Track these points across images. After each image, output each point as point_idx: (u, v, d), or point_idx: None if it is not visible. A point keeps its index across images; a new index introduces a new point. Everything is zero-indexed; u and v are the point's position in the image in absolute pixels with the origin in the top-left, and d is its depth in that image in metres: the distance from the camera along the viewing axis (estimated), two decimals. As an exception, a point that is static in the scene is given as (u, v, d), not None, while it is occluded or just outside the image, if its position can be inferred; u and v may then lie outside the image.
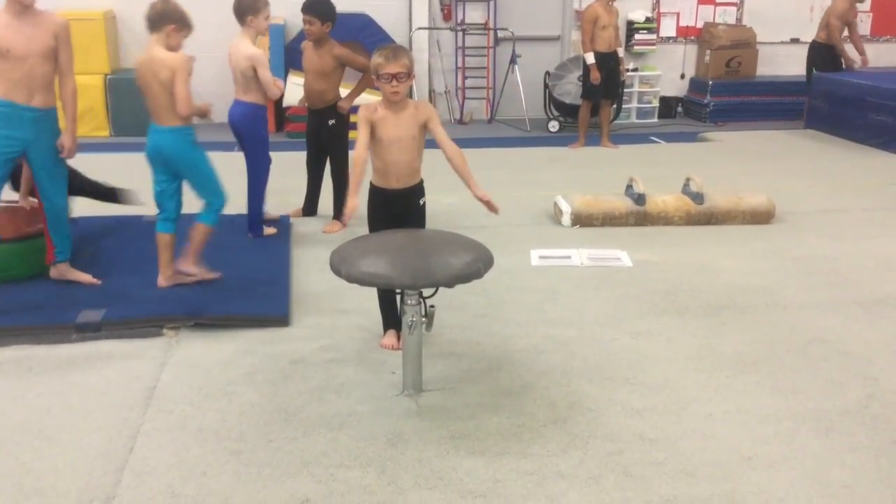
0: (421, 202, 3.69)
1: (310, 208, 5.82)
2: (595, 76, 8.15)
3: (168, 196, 4.23)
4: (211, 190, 4.29)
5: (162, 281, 4.28)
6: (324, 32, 5.34)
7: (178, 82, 4.02)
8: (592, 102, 8.47)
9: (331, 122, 5.45)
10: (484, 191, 3.53)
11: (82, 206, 5.21)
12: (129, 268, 4.62)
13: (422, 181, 3.69)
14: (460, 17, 9.92)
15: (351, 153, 3.59)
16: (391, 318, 3.73)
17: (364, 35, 9.30)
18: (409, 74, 3.51)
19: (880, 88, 8.48)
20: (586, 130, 8.58)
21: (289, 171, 6.10)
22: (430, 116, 3.60)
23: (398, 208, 3.62)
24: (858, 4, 9.40)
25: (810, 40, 9.81)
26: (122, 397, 3.29)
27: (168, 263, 4.27)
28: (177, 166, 4.19)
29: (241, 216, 5.59)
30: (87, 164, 5.01)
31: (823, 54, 9.45)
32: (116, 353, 3.69)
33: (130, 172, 5.43)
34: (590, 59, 8.16)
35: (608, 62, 8.24)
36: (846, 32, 9.39)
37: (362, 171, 3.47)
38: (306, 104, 5.58)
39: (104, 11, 8.82)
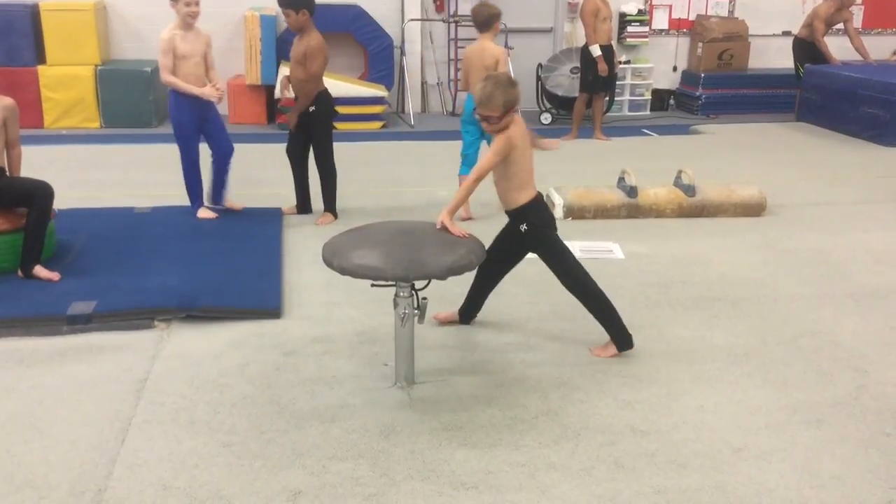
0: (521, 228, 3.53)
1: (304, 206, 5.71)
2: (603, 68, 8.19)
3: (473, 148, 5.52)
4: (472, 153, 5.51)
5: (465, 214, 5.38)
6: (302, 21, 5.26)
7: (501, 67, 5.34)
8: (590, 95, 8.48)
9: (311, 108, 5.38)
10: (449, 220, 3.34)
11: (71, 199, 5.20)
12: (120, 260, 4.61)
13: (525, 206, 3.52)
14: (453, 8, 9.90)
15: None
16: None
17: (356, 26, 9.28)
18: (505, 112, 3.33)
19: (872, 81, 8.50)
20: (580, 123, 8.58)
21: (280, 163, 6.07)
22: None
23: (507, 232, 3.65)
24: (847, 1, 9.41)
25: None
26: (113, 389, 3.29)
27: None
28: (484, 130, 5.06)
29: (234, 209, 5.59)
30: (77, 156, 4.98)
31: (806, 50, 9.54)
32: (108, 345, 3.68)
33: (120, 164, 5.41)
34: (596, 51, 8.18)
35: (608, 55, 8.25)
36: (842, 30, 9.44)
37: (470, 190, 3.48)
38: (293, 96, 5.53)
39: (95, 2, 8.77)
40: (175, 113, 5.28)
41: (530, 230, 3.52)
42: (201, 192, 5.47)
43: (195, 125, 5.28)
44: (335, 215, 5.55)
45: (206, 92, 5.17)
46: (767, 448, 2.93)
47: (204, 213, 5.43)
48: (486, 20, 5.43)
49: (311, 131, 5.48)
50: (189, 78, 5.17)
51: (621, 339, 3.61)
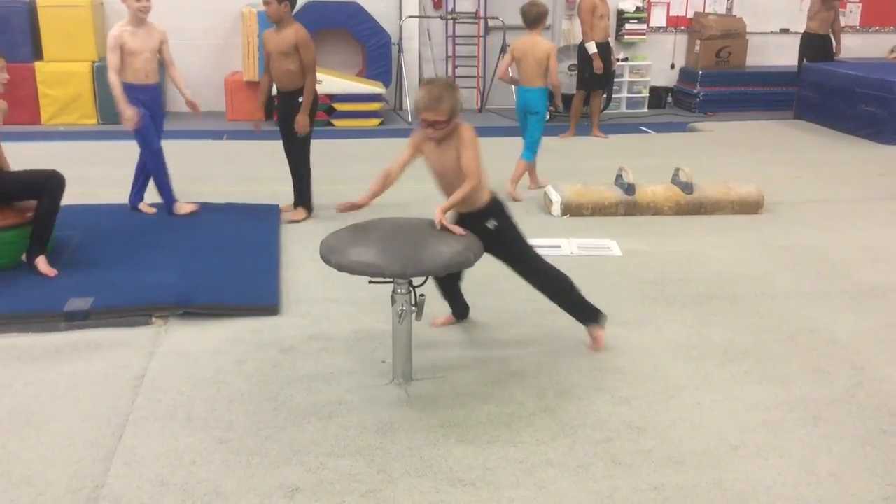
0: (490, 225, 3.40)
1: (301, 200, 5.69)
2: (598, 65, 8.19)
3: (526, 131, 6.17)
4: (536, 135, 6.13)
5: (512, 189, 5.95)
6: (283, 13, 5.21)
7: (552, 60, 5.93)
8: (588, 92, 8.49)
9: (300, 99, 5.32)
10: (441, 216, 3.28)
11: (69, 196, 5.17)
12: (118, 256, 4.60)
13: (490, 203, 3.41)
14: (451, 5, 9.89)
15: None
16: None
17: (354, 23, 9.27)
18: (450, 121, 3.26)
19: (869, 79, 8.51)
20: (578, 120, 8.59)
21: (278, 159, 6.07)
22: (463, 142, 3.32)
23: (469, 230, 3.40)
24: None
25: (802, 31, 9.85)
26: (110, 386, 3.28)
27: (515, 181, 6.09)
28: (531, 116, 6.10)
29: (230, 204, 5.60)
30: (74, 152, 4.98)
31: (816, 44, 9.49)
32: (105, 341, 3.68)
33: (117, 160, 5.40)
34: (591, 48, 8.20)
35: (605, 52, 8.26)
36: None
37: (384, 186, 3.40)
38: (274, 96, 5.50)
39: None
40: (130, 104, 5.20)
41: (501, 226, 3.43)
42: (171, 187, 5.44)
43: (148, 117, 5.21)
44: (309, 211, 5.52)
45: (125, 117, 5.09)
46: (764, 445, 2.93)
47: (181, 207, 5.41)
48: (535, 18, 5.90)
49: (291, 122, 5.36)
50: (139, 74, 5.14)
51: (592, 314, 3.61)
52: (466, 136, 3.30)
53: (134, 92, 5.15)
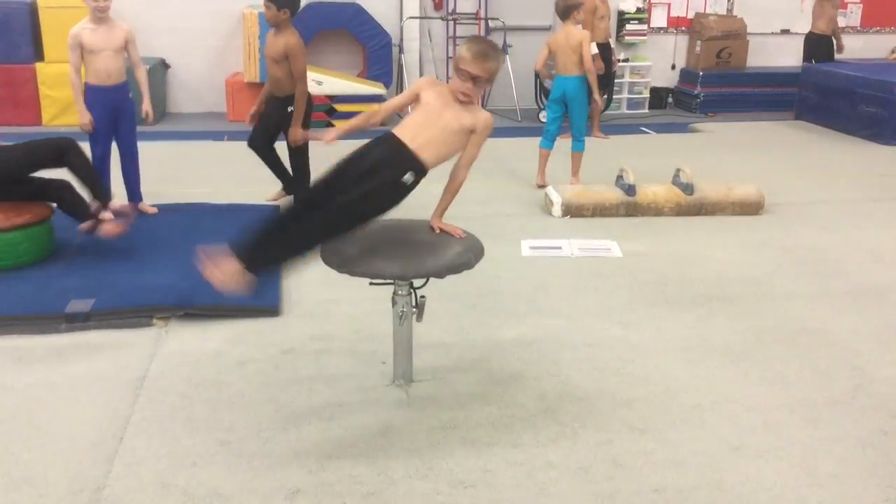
0: (406, 178, 3.00)
1: (290, 188, 5.66)
2: (599, 66, 8.19)
3: (555, 125, 6.44)
4: (580, 123, 6.40)
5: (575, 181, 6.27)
6: (280, 18, 5.22)
7: (585, 47, 6.20)
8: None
9: (290, 108, 5.33)
10: (440, 222, 3.22)
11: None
12: (119, 257, 4.60)
13: (421, 163, 3.03)
14: (451, 6, 9.89)
15: (324, 130, 3.32)
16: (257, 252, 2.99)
17: (354, 24, 9.28)
18: (489, 81, 3.11)
19: (870, 80, 8.51)
20: (599, 121, 8.63)
21: (283, 161, 6.07)
22: (480, 129, 3.12)
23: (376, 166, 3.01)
24: None
25: (802, 31, 9.87)
26: (111, 387, 3.29)
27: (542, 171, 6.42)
28: (571, 102, 6.34)
29: (231, 205, 5.60)
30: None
31: (818, 45, 9.52)
32: (106, 343, 3.68)
33: (117, 161, 5.41)
34: (593, 48, 8.20)
35: (606, 53, 8.28)
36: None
37: (366, 121, 3.18)
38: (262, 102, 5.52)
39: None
40: (88, 107, 5.17)
41: (411, 185, 3.04)
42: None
43: (104, 121, 5.17)
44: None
45: (81, 118, 5.09)
46: (765, 446, 2.94)
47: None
48: (564, 10, 6.27)
49: (272, 120, 5.39)
50: (100, 73, 5.10)
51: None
52: (486, 129, 3.11)
53: (96, 94, 5.12)
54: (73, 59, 5.10)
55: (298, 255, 3.02)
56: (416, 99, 3.18)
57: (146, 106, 5.41)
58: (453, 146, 3.12)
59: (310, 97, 5.46)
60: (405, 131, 3.05)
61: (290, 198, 3.20)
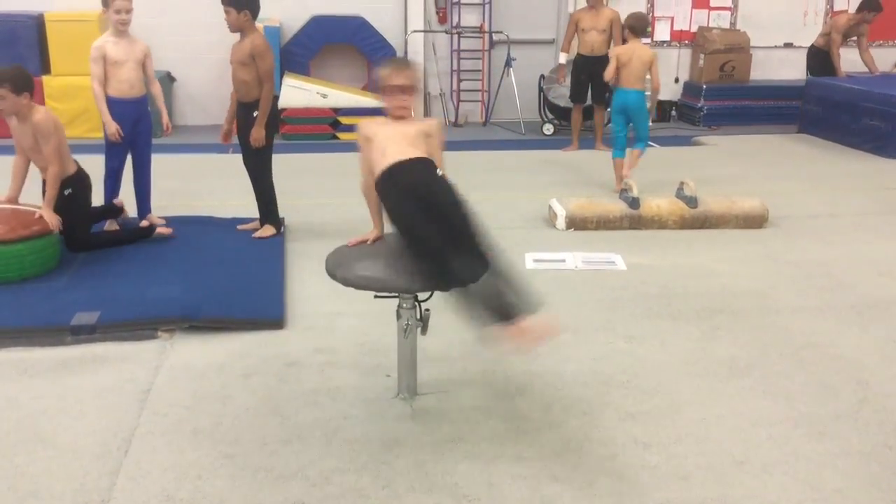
0: None
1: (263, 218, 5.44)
2: (560, 76, 8.42)
3: (622, 134, 6.79)
4: (645, 129, 6.79)
5: (627, 174, 6.54)
6: (242, 21, 5.06)
7: (655, 66, 6.61)
8: (580, 105, 8.57)
9: (255, 113, 5.13)
10: None
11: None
12: (124, 270, 4.62)
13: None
14: (456, 20, 9.94)
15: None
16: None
17: (359, 38, 9.33)
18: (417, 88, 3.25)
19: (873, 93, 8.52)
20: (579, 133, 8.62)
21: (282, 173, 6.09)
22: (435, 131, 3.24)
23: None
24: (868, 16, 9.45)
25: (805, 44, 9.89)
26: (116, 400, 3.29)
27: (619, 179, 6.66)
28: (633, 114, 6.69)
29: (236, 219, 5.61)
30: (83, 166, 4.99)
31: (820, 59, 9.55)
32: (111, 355, 3.69)
33: (124, 174, 5.43)
34: (561, 58, 8.44)
35: (590, 66, 8.26)
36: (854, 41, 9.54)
37: (374, 197, 3.19)
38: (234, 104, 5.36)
39: (99, 13, 8.81)
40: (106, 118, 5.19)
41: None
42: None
43: (124, 133, 5.17)
44: (277, 227, 5.37)
45: (109, 130, 5.11)
46: (770, 461, 2.93)
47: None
48: (642, 28, 6.73)
49: (247, 135, 5.19)
50: (123, 85, 5.14)
51: None
52: (439, 126, 3.26)
53: (119, 106, 5.14)
54: (96, 71, 5.11)
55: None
56: (371, 142, 3.17)
57: (165, 118, 5.45)
58: (424, 147, 3.16)
59: (275, 106, 5.31)
60: (388, 158, 3.07)
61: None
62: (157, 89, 5.43)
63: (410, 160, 3.06)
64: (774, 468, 2.89)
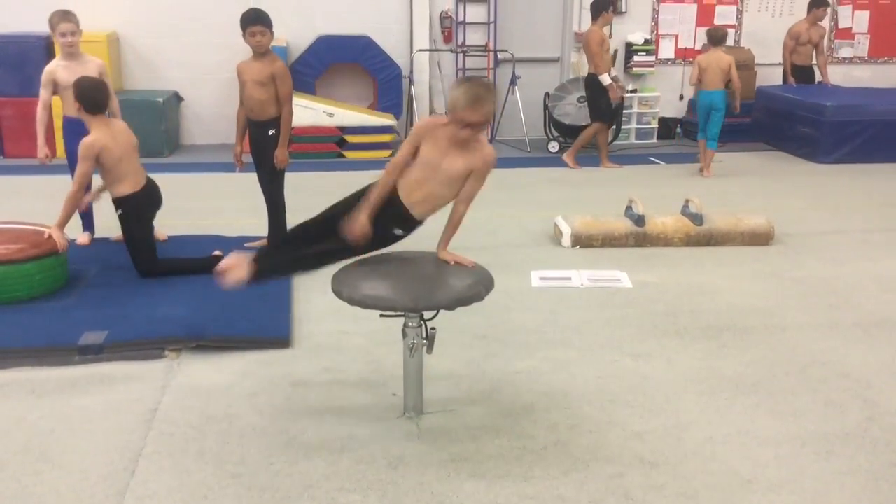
0: (398, 233, 3.26)
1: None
2: (615, 95, 8.36)
3: (704, 127, 8.22)
4: (717, 129, 8.14)
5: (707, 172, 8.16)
6: (270, 42, 5.20)
7: (734, 69, 8.02)
8: (608, 124, 8.63)
9: (271, 132, 5.21)
10: (448, 253, 3.24)
11: (78, 228, 5.21)
12: (131, 290, 4.64)
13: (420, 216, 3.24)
14: (461, 39, 9.99)
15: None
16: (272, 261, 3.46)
17: (365, 57, 9.39)
18: (489, 122, 3.10)
19: (805, 102, 9.05)
20: (606, 151, 8.73)
21: (291, 192, 6.12)
22: (481, 173, 3.13)
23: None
24: (820, 23, 9.68)
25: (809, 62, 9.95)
26: (123, 420, 3.30)
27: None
28: (714, 112, 8.08)
29: (244, 237, 5.63)
30: (96, 185, 5.03)
31: (800, 73, 9.76)
32: (118, 375, 3.70)
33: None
34: (605, 79, 8.33)
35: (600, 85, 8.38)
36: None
37: (385, 189, 3.16)
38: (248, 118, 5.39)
39: (108, 34, 8.89)
40: (66, 141, 5.31)
41: (402, 236, 3.29)
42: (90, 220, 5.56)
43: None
44: None
45: (39, 153, 5.23)
46: (777, 480, 2.92)
47: (82, 238, 5.50)
48: (720, 38, 8.11)
49: (265, 156, 5.26)
50: (75, 106, 5.06)
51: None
52: (486, 166, 3.12)
53: (74, 125, 5.18)
54: (43, 95, 5.27)
55: (297, 273, 3.54)
56: (416, 148, 3.15)
57: (116, 111, 5.43)
58: (452, 192, 3.18)
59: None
60: (403, 185, 3.18)
61: (303, 223, 3.40)
62: (115, 104, 5.42)
63: (415, 214, 3.19)
64: (782, 487, 2.88)
